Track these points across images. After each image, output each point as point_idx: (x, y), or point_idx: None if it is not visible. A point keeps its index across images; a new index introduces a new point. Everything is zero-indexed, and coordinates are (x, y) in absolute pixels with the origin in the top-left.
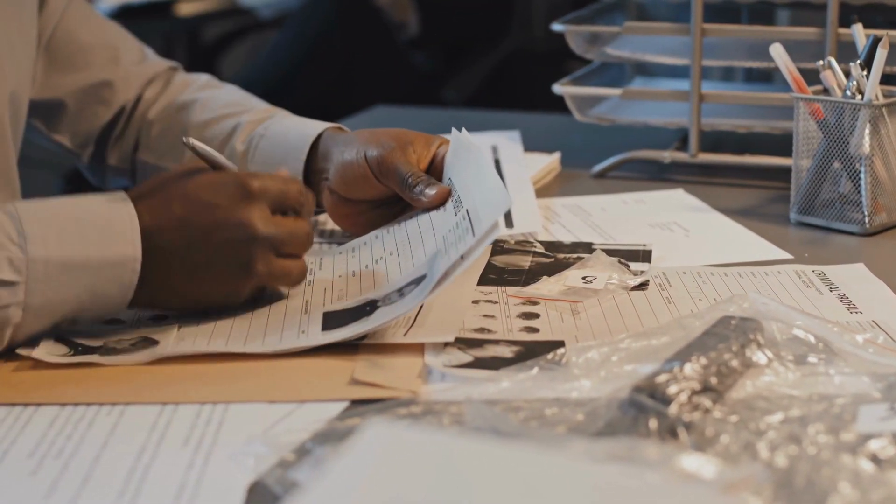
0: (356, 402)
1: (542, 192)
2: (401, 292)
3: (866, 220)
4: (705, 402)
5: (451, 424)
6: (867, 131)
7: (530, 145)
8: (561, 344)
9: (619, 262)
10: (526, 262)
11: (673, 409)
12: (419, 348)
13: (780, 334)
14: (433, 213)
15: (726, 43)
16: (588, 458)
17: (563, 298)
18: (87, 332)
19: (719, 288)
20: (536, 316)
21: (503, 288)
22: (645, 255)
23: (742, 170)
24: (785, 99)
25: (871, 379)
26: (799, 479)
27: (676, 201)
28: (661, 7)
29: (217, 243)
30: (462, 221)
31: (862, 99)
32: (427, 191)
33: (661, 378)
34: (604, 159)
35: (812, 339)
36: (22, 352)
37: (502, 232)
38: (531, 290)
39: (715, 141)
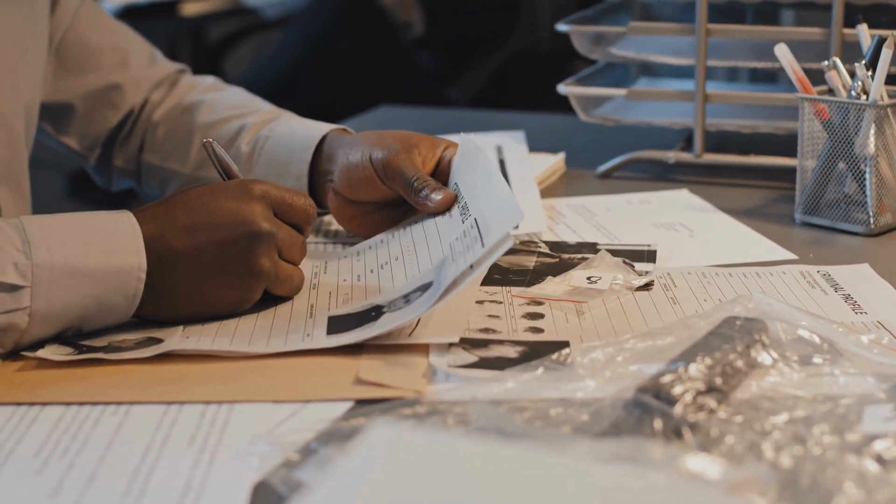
0: (361, 402)
1: (547, 192)
2: (407, 299)
3: (871, 220)
4: (710, 402)
5: (455, 424)
6: (872, 132)
7: (535, 145)
8: (566, 344)
9: (624, 262)
10: (531, 262)
11: (678, 410)
12: (424, 348)
13: (785, 335)
14: (439, 219)
15: (731, 43)
16: (593, 458)
17: (567, 299)
18: (91, 333)
19: (724, 288)
20: (541, 316)
21: (508, 288)
22: (650, 256)
23: (747, 170)
24: (790, 99)
25: (875, 379)
26: (804, 479)
27: (681, 201)
28: (665, 7)
29: (221, 243)
30: (470, 230)
31: (867, 99)
32: (433, 196)
33: (666, 378)
34: (608, 159)
35: (817, 339)
36: (26, 352)
37: (512, 244)
38: (536, 290)
39: (720, 141)
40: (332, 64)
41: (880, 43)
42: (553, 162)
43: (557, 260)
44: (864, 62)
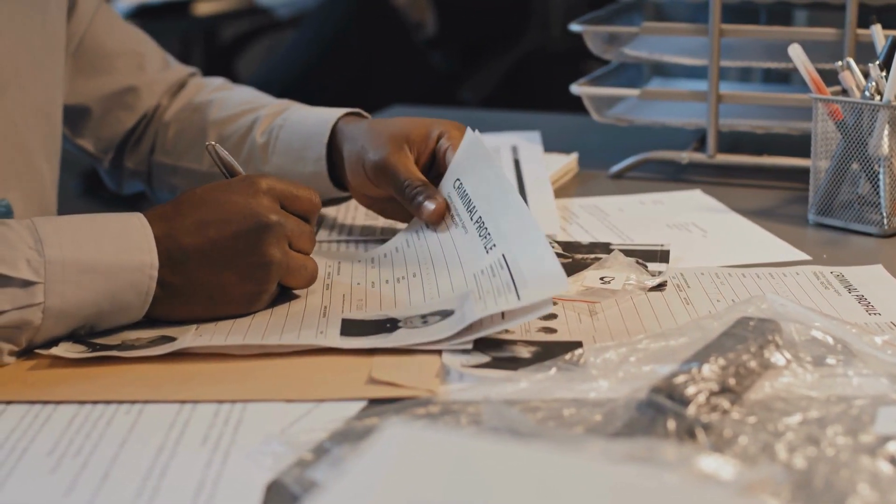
0: (374, 402)
1: (560, 192)
2: (424, 320)
3: (885, 221)
4: (723, 403)
5: (468, 424)
6: (886, 132)
7: (548, 146)
8: (579, 344)
9: (637, 262)
10: None
11: (691, 410)
12: None
13: (799, 335)
14: (455, 233)
15: (744, 43)
16: (606, 458)
17: (580, 299)
18: (104, 332)
19: (737, 289)
20: (554, 316)
21: None
22: (663, 256)
23: (760, 171)
24: (803, 100)
25: (889, 380)
26: (817, 480)
27: (694, 202)
28: (678, 7)
29: (231, 237)
30: (500, 270)
31: (881, 100)
32: (426, 204)
33: (680, 379)
34: (621, 160)
35: (830, 340)
36: (40, 350)
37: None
38: None
39: (733, 142)
40: (344, 64)
41: (894, 43)
42: (566, 162)
43: (570, 260)
44: (877, 63)
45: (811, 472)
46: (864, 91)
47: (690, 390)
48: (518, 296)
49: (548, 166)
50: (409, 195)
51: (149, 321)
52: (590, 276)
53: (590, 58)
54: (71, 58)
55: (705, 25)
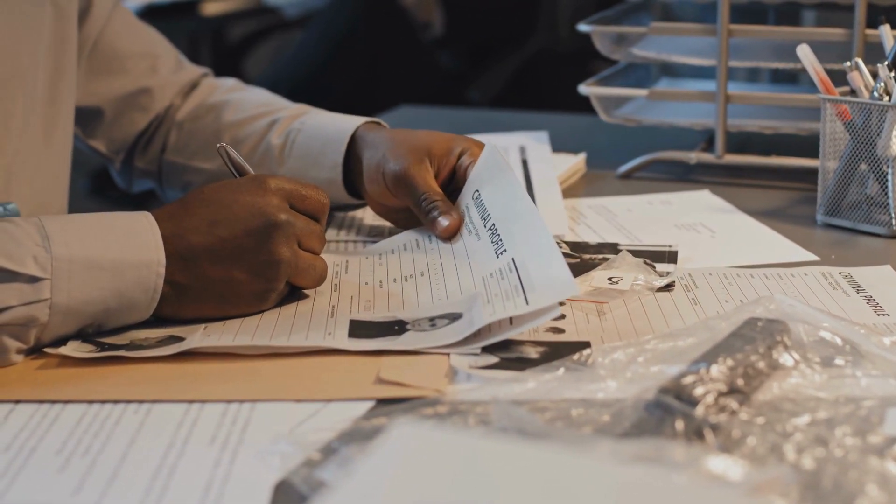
0: (382, 402)
1: (568, 192)
2: (433, 323)
3: (893, 221)
4: (732, 403)
5: (476, 424)
6: (894, 133)
7: (556, 146)
8: (587, 345)
9: (645, 262)
10: None
11: (699, 411)
12: None
13: (807, 336)
14: (467, 237)
15: (753, 44)
16: (614, 459)
17: (588, 299)
18: (112, 332)
19: (745, 289)
20: (562, 317)
21: None
22: (671, 256)
23: (768, 171)
24: (812, 100)
25: None
26: (826, 481)
27: (702, 202)
28: (687, 8)
29: (240, 236)
30: (508, 273)
31: (889, 100)
32: (441, 220)
33: (688, 379)
34: (629, 160)
35: (839, 341)
36: (49, 350)
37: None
38: None
39: (741, 142)
40: (352, 64)
41: None
42: (574, 162)
43: (578, 260)
44: (886, 63)
45: (819, 473)
46: (872, 91)
47: (699, 391)
48: (526, 300)
49: (556, 166)
50: (425, 208)
51: (157, 321)
52: (598, 277)
53: (598, 58)
54: (85, 60)
55: (714, 26)
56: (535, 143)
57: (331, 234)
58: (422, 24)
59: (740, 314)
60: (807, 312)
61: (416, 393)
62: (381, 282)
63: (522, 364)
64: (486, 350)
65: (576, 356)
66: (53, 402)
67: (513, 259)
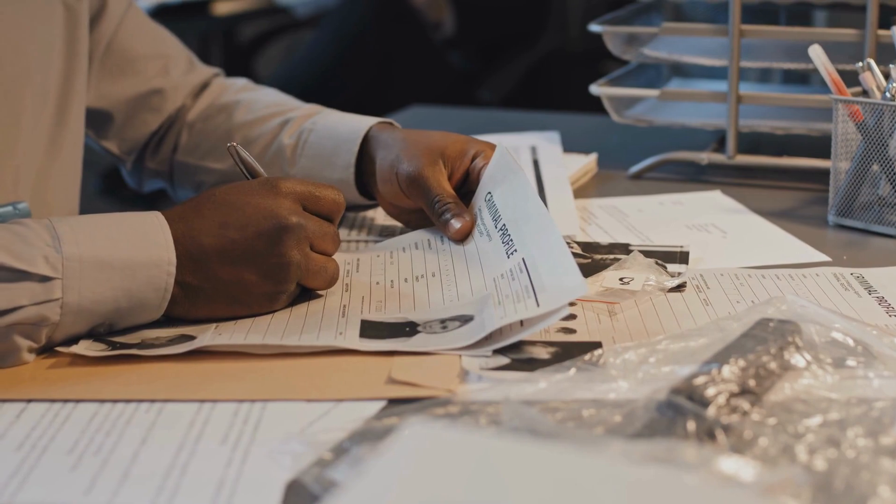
0: (393, 402)
1: (579, 193)
2: (444, 325)
3: None
4: (743, 404)
5: (488, 424)
6: None
7: (567, 146)
8: (598, 345)
9: (657, 263)
10: None
11: (711, 412)
12: None
13: (819, 337)
14: (478, 238)
15: (764, 44)
16: (625, 459)
17: (600, 299)
18: (124, 331)
19: (757, 290)
20: (573, 317)
21: None
22: (682, 257)
23: (780, 172)
24: (823, 101)
25: None
26: (838, 482)
27: (714, 203)
28: (698, 8)
29: (251, 237)
30: (519, 273)
31: None
32: (453, 222)
33: (699, 380)
34: (641, 160)
35: (851, 342)
36: (60, 349)
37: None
38: None
39: (752, 142)
40: (363, 64)
41: None
42: (585, 163)
43: (590, 261)
44: None
45: (831, 474)
46: (884, 92)
47: (710, 391)
48: (537, 301)
49: (567, 167)
50: (437, 210)
51: (168, 320)
52: (609, 277)
53: (609, 58)
54: (98, 61)
55: (725, 26)
56: (547, 144)
57: (342, 233)
58: (433, 24)
59: (752, 315)
60: (818, 313)
61: (428, 393)
62: (392, 281)
63: (533, 365)
64: (497, 351)
65: (587, 356)
66: (65, 401)
67: (523, 259)
